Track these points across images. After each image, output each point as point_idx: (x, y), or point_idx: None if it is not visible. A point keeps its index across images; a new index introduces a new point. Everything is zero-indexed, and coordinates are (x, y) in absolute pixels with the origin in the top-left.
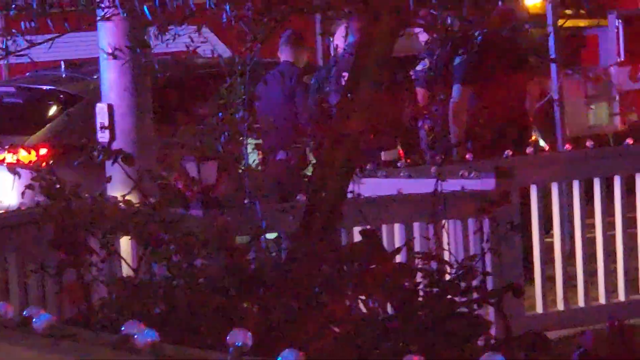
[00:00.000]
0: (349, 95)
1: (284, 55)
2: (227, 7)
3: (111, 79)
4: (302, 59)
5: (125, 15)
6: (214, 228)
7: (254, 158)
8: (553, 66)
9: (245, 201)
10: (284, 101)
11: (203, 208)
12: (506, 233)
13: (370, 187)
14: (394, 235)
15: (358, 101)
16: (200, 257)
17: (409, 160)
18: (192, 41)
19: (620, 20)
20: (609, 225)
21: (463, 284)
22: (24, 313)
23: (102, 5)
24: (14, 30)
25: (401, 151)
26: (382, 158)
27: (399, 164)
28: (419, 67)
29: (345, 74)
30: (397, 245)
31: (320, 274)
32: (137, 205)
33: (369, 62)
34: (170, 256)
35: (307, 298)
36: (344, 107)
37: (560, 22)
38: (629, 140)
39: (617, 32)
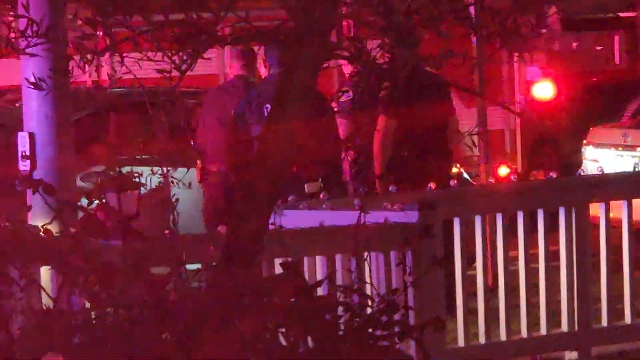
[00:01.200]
0: (271, 126)
1: (235, 69)
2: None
3: (33, 107)
4: (255, 74)
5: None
6: (131, 258)
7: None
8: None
9: (166, 231)
10: (231, 117)
11: (122, 238)
12: (429, 266)
13: (292, 219)
14: (315, 267)
15: (281, 132)
16: (120, 288)
17: (330, 193)
18: (115, 71)
19: None
20: (531, 258)
21: (385, 318)
22: None
23: (27, 34)
24: None
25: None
26: (306, 190)
27: (321, 196)
28: (342, 98)
29: (268, 106)
30: (318, 277)
31: (241, 306)
32: (57, 234)
33: (291, 93)
34: (90, 287)
35: (228, 330)
36: (267, 138)
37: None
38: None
39: None
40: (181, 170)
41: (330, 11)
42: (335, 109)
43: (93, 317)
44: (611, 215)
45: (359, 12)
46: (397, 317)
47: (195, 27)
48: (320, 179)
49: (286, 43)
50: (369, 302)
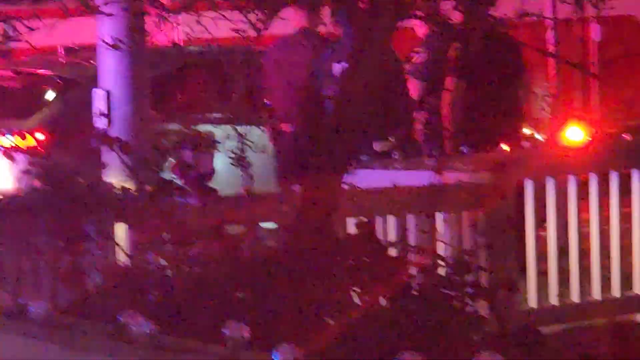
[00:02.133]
0: (347, 85)
1: (299, 20)
2: None
3: (108, 65)
4: (317, 25)
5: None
6: (208, 217)
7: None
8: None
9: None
10: (303, 78)
11: (199, 197)
12: (501, 227)
13: (365, 178)
14: (387, 227)
15: (357, 91)
16: (196, 246)
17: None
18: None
19: None
20: (604, 220)
21: (457, 279)
22: (20, 301)
23: None
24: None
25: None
26: (375, 149)
27: (392, 155)
28: (416, 60)
29: (342, 64)
30: (390, 237)
31: (316, 266)
32: (134, 192)
33: (369, 52)
34: (166, 244)
35: (302, 290)
36: (343, 97)
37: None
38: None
39: None
40: (256, 132)
41: None
42: (409, 70)
43: (169, 274)
44: None
45: None
46: (469, 278)
47: None
48: (391, 139)
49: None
50: (442, 263)
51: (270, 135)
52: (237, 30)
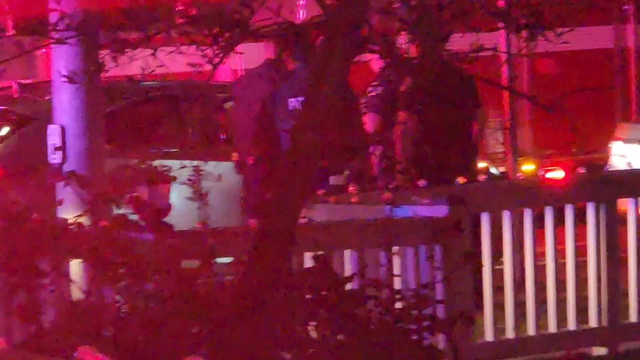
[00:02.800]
0: (303, 119)
1: (268, 52)
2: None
3: (64, 100)
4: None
5: (80, 38)
6: (164, 252)
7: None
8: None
9: (197, 225)
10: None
11: (154, 232)
12: (459, 261)
13: (321, 212)
14: (344, 261)
15: (313, 125)
16: (151, 281)
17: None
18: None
19: None
20: (560, 253)
21: (415, 312)
22: None
23: (58, 28)
24: None
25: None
26: (331, 183)
27: (349, 190)
28: (371, 93)
29: (296, 99)
30: (348, 271)
31: (272, 299)
32: (89, 227)
33: (324, 86)
34: (122, 280)
35: (259, 325)
36: (299, 131)
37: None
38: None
39: None
40: (215, 164)
41: (362, 5)
42: (364, 104)
43: (124, 310)
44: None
45: (391, 7)
46: (427, 311)
47: (228, 21)
48: (346, 172)
49: (318, 37)
50: (399, 297)
51: (236, 169)
52: (193, 65)
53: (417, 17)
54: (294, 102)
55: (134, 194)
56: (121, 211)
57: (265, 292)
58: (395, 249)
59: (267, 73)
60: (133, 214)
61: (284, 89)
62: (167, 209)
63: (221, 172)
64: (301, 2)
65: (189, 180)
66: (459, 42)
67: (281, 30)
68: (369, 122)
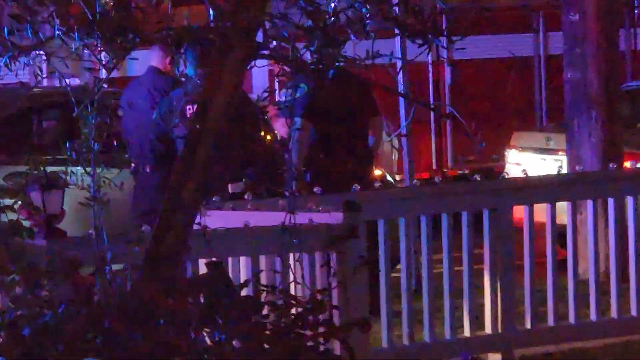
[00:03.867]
0: (196, 126)
1: (154, 60)
2: (76, 36)
3: None
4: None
5: None
6: (59, 259)
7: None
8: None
9: (90, 231)
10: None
11: (47, 238)
12: (354, 267)
13: (217, 219)
14: (240, 268)
15: (206, 132)
16: (45, 288)
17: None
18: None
19: None
20: (455, 261)
21: (311, 318)
22: None
23: None
24: None
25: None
26: (230, 190)
27: (245, 197)
28: (282, 98)
29: (189, 107)
30: (243, 278)
31: (166, 306)
32: None
33: (218, 92)
34: (14, 286)
35: (154, 331)
36: (192, 138)
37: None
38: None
39: None
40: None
41: (257, 11)
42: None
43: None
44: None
45: (286, 12)
46: (322, 317)
47: (123, 25)
48: (244, 180)
49: (213, 43)
50: (295, 303)
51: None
52: (88, 70)
53: (312, 22)
54: (188, 109)
55: (27, 201)
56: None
57: (159, 298)
58: (291, 255)
59: (152, 80)
60: (26, 219)
61: (177, 96)
62: (61, 215)
63: (114, 179)
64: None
65: (82, 186)
66: (358, 48)
67: (175, 36)
68: (280, 128)
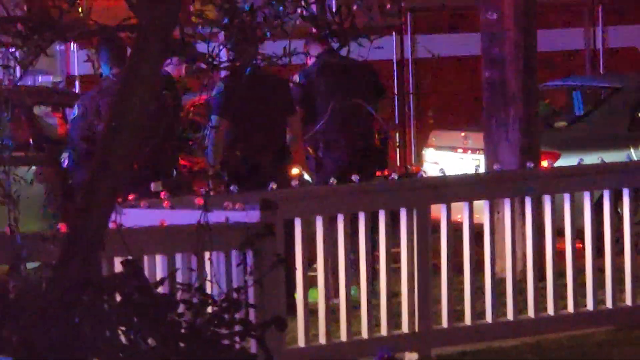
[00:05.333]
0: (112, 123)
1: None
2: None
3: None
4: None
5: None
6: None
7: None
8: None
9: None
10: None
11: None
12: (270, 266)
13: (133, 217)
14: (156, 266)
15: (122, 129)
16: None
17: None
18: None
19: None
20: (375, 259)
21: (227, 316)
22: None
23: None
24: None
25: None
26: (152, 189)
27: (162, 195)
28: (214, 92)
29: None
30: (159, 277)
31: (81, 304)
32: None
33: (136, 87)
34: None
35: (69, 329)
36: (108, 135)
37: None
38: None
39: None
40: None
41: (174, 8)
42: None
43: None
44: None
45: (203, 9)
46: (238, 316)
47: (38, 22)
48: (161, 177)
49: (128, 40)
50: (210, 301)
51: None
52: (4, 67)
53: (229, 20)
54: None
55: None
56: None
57: (74, 296)
58: (207, 254)
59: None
60: None
61: (96, 94)
62: None
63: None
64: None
65: None
66: (275, 46)
67: (92, 33)
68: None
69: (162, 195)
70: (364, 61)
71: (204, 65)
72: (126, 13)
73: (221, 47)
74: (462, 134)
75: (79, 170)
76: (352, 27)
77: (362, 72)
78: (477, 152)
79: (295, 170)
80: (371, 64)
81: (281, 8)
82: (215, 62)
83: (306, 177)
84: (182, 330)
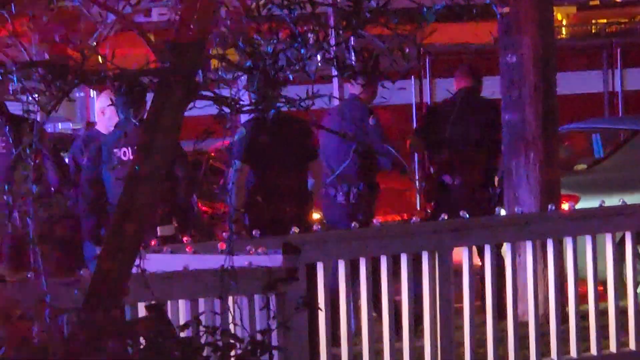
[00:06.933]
0: (138, 168)
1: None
2: (14, 78)
3: None
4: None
5: None
6: None
7: None
8: None
9: (29, 274)
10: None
11: None
12: (295, 308)
13: (155, 262)
14: (179, 311)
15: (148, 175)
16: None
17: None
18: None
19: None
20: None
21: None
22: None
23: None
24: None
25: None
26: (159, 233)
27: (184, 240)
28: (235, 137)
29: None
30: (182, 321)
31: (105, 349)
32: None
33: (159, 134)
34: None
35: None
36: (132, 181)
37: None
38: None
39: None
40: None
41: (197, 52)
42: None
43: None
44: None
45: (225, 53)
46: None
47: (61, 67)
48: (174, 222)
49: (151, 84)
50: (235, 343)
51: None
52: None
53: (251, 63)
54: (119, 153)
55: None
56: None
57: (99, 341)
58: (230, 298)
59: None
60: None
61: (111, 140)
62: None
63: None
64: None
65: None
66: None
67: (115, 77)
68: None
69: (184, 239)
70: None
71: (226, 109)
72: (145, 60)
73: (243, 90)
74: None
75: (90, 217)
76: (375, 69)
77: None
78: None
79: (316, 215)
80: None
81: (303, 50)
82: (237, 106)
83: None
84: None
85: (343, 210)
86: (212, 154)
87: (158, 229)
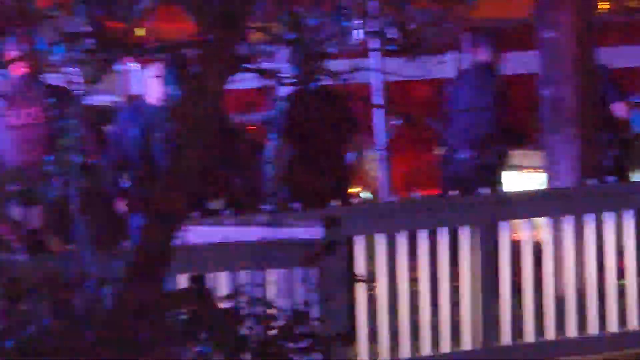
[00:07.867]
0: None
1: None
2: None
3: None
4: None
5: None
6: (42, 273)
7: None
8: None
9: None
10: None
11: (28, 253)
12: (334, 283)
13: (196, 235)
14: (220, 283)
15: (190, 145)
16: (27, 302)
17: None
18: None
19: None
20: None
21: (296, 330)
22: None
23: None
24: None
25: None
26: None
27: (225, 213)
28: (274, 110)
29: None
30: (223, 293)
31: (148, 321)
32: None
33: (201, 104)
34: None
35: (137, 345)
36: (176, 151)
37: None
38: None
39: None
40: None
41: (239, 24)
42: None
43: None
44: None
45: (267, 25)
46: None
47: (107, 38)
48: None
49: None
50: (277, 314)
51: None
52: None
53: (294, 35)
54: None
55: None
56: None
57: (141, 312)
58: (270, 271)
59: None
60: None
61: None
62: (42, 229)
63: None
64: None
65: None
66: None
67: (159, 50)
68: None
69: (225, 212)
70: None
71: (270, 82)
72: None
73: (285, 63)
74: (522, 153)
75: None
76: (418, 43)
77: None
78: (537, 170)
79: (356, 189)
80: None
81: (346, 23)
82: (280, 79)
83: (366, 195)
84: (252, 344)
85: (471, 174)
86: (251, 128)
87: (208, 203)
